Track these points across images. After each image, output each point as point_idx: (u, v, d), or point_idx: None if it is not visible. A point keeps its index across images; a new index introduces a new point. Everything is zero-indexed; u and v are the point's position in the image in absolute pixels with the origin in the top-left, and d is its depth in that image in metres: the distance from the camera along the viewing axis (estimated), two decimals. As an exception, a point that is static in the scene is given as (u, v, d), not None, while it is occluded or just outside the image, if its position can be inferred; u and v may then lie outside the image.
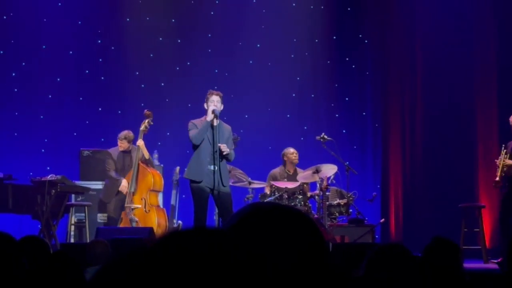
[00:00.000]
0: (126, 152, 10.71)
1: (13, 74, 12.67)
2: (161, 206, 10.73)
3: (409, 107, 13.13)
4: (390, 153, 13.16)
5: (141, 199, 10.29)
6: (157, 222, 10.16)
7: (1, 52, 12.66)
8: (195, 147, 8.63)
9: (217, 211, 9.09)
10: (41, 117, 12.69)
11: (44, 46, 12.80)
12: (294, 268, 1.34)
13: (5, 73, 12.61)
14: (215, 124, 8.60)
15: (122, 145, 10.70)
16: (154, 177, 10.43)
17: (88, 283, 1.09)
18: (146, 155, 10.45)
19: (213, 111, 8.54)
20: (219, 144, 8.47)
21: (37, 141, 12.57)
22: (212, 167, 8.46)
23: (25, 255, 2.40)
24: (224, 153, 8.48)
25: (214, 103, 8.60)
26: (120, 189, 10.39)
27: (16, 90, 12.62)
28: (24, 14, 12.69)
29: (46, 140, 12.67)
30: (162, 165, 11.61)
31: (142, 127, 10.33)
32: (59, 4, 12.88)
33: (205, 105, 8.70)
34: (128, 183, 10.34)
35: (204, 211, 8.55)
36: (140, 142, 10.33)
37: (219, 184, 8.43)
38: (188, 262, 0.93)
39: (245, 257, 0.96)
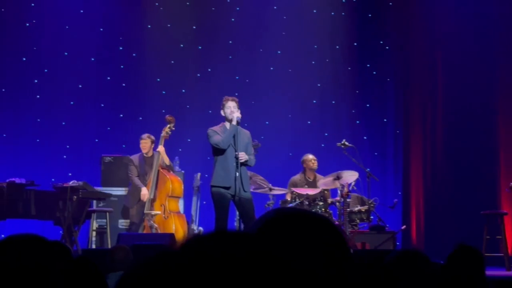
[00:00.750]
0: (147, 158, 10.73)
1: (36, 80, 12.75)
2: (181, 212, 10.73)
3: (430, 113, 13.07)
4: (411, 159, 13.10)
5: (161, 205, 10.30)
6: (174, 228, 10.17)
7: (24, 59, 12.75)
8: (219, 153, 8.59)
9: (237, 217, 9.08)
10: (63, 123, 12.76)
11: (66, 53, 12.87)
12: (318, 273, 1.34)
13: (27, 79, 12.70)
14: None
15: (146, 145, 10.71)
16: (172, 183, 10.44)
17: None
18: (167, 161, 10.48)
19: (237, 120, 8.55)
20: (237, 153, 8.47)
21: (59, 147, 12.64)
22: (236, 173, 8.45)
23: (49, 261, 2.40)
24: (242, 161, 8.48)
25: (231, 109, 8.60)
26: (141, 198, 10.42)
27: (38, 96, 12.71)
28: (47, 21, 12.78)
29: (68, 146, 12.74)
30: (183, 171, 11.63)
31: (163, 133, 10.35)
32: (81, 11, 12.96)
33: (221, 112, 8.69)
34: (149, 191, 10.37)
35: (225, 217, 8.54)
36: (161, 148, 10.36)
37: (240, 190, 8.42)
38: (212, 266, 0.93)
39: (269, 260, 0.96)
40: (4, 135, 12.50)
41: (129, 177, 10.77)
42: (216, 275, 0.92)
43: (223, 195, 8.47)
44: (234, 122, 8.53)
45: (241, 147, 8.56)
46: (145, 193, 10.38)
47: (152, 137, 10.83)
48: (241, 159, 8.45)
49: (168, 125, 10.34)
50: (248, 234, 1.02)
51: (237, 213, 9.00)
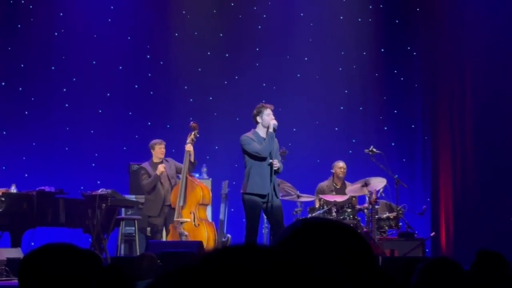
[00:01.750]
0: (159, 163, 10.61)
1: (64, 89, 12.85)
2: (210, 220, 10.72)
3: (458, 119, 12.99)
4: (440, 165, 13.03)
5: (190, 213, 10.27)
6: (207, 236, 10.15)
7: (53, 68, 12.86)
8: (255, 160, 8.54)
9: (265, 224, 9.07)
10: (92, 131, 12.84)
11: (94, 62, 12.97)
12: (345, 284, 1.34)
13: (56, 88, 12.80)
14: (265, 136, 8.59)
15: (162, 150, 10.62)
16: (203, 191, 10.41)
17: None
18: (192, 158, 10.34)
19: (274, 127, 8.52)
20: (271, 160, 8.44)
21: (87, 155, 12.72)
22: (270, 180, 8.43)
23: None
24: (275, 168, 8.45)
25: (271, 116, 8.57)
26: (158, 171, 10.28)
27: (67, 105, 12.80)
28: (75, 31, 12.88)
29: (96, 154, 12.81)
30: (210, 178, 11.64)
31: (189, 140, 10.32)
32: (109, 20, 13.05)
33: (258, 118, 8.62)
34: (175, 197, 10.27)
35: (256, 225, 8.53)
36: (190, 147, 10.25)
37: (272, 197, 8.39)
38: (239, 281, 0.93)
39: (296, 277, 0.95)
40: (34, 143, 12.61)
41: (142, 186, 10.57)
42: None
43: (256, 203, 8.43)
44: (271, 129, 8.50)
45: (274, 154, 8.54)
46: (160, 168, 10.29)
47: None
48: (275, 167, 8.42)
49: (193, 132, 10.31)
50: (273, 248, 1.02)
51: (265, 220, 8.98)
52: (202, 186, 10.48)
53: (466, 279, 3.05)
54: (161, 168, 10.33)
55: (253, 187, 8.46)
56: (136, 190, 11.35)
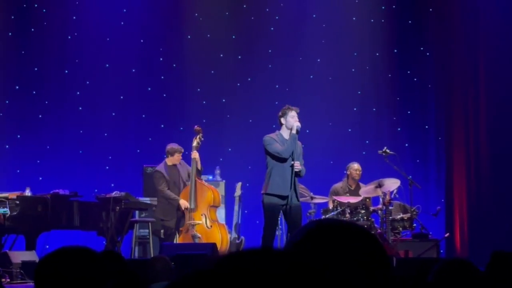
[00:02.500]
0: (173, 166, 10.64)
1: (78, 92, 12.90)
2: (221, 222, 10.73)
3: (473, 119, 12.94)
4: (454, 166, 12.98)
5: (202, 215, 10.29)
6: (220, 237, 10.16)
7: (66, 71, 12.90)
8: (276, 161, 8.52)
9: (278, 225, 9.06)
10: (105, 134, 12.87)
11: (107, 65, 13.00)
12: (359, 284, 1.34)
13: (70, 92, 12.85)
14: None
15: (175, 159, 10.63)
16: (213, 193, 10.44)
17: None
18: (199, 166, 10.40)
19: (297, 128, 8.54)
20: (293, 162, 8.45)
21: (101, 158, 12.76)
22: (291, 182, 8.43)
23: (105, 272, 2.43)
24: (297, 170, 8.46)
25: (295, 118, 8.60)
26: (183, 208, 10.32)
27: (80, 108, 12.84)
28: (88, 34, 12.93)
29: (110, 157, 12.84)
30: (224, 180, 11.65)
31: (195, 143, 10.34)
32: (122, 23, 13.09)
33: (282, 120, 8.64)
34: (185, 200, 10.30)
35: (274, 227, 8.54)
36: (196, 154, 10.30)
37: (292, 199, 8.39)
38: (253, 284, 0.93)
39: (310, 280, 0.95)
40: (48, 147, 12.66)
41: (159, 191, 10.57)
42: None
43: (276, 205, 8.42)
44: (294, 131, 8.52)
45: (296, 156, 8.54)
46: (183, 202, 10.30)
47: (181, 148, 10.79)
48: (296, 168, 8.42)
49: (198, 135, 10.33)
50: (287, 251, 1.02)
51: (279, 222, 8.96)
52: (212, 189, 10.51)
53: (481, 280, 3.04)
54: (184, 204, 10.29)
55: (274, 188, 8.45)
56: (150, 193, 11.37)
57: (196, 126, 10.46)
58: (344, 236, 1.40)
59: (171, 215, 10.40)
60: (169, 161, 10.61)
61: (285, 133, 8.60)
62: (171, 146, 10.68)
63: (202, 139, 10.36)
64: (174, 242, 10.25)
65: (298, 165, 8.45)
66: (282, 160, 8.48)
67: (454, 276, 2.98)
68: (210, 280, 0.96)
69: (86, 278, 2.33)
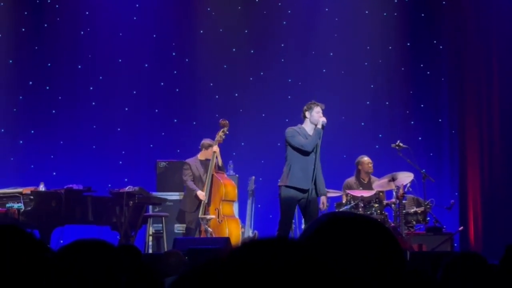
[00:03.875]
0: (205, 161, 10.76)
1: (91, 88, 12.93)
2: (236, 216, 10.75)
3: (486, 113, 12.89)
4: (467, 159, 12.93)
5: (215, 209, 10.35)
6: (228, 232, 10.20)
7: (79, 66, 12.94)
8: (298, 153, 8.54)
9: (293, 219, 9.08)
10: (118, 129, 12.90)
11: (120, 60, 13.03)
12: (372, 278, 1.33)
13: (83, 87, 12.88)
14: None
15: (209, 153, 10.72)
16: (226, 187, 10.47)
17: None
18: (220, 161, 10.51)
19: (322, 123, 8.56)
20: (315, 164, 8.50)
21: (114, 153, 12.79)
22: (313, 175, 8.44)
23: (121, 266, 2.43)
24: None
25: (320, 114, 8.63)
26: (200, 198, 10.43)
27: (93, 103, 12.87)
28: (101, 29, 12.95)
29: (123, 152, 12.87)
30: (237, 175, 11.66)
31: (218, 137, 10.40)
32: (134, 18, 13.10)
33: (307, 114, 8.69)
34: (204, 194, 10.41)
35: (291, 220, 8.58)
36: (216, 148, 10.38)
37: (312, 192, 8.39)
38: (259, 275, 0.93)
39: (324, 269, 0.95)
40: (61, 142, 12.70)
41: (183, 181, 10.79)
42: (262, 284, 0.92)
43: (293, 197, 8.42)
44: (319, 125, 8.54)
45: (319, 152, 8.57)
46: (202, 194, 10.41)
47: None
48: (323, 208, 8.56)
49: (222, 129, 10.39)
50: (299, 243, 1.02)
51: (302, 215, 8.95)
52: (226, 183, 10.54)
53: (493, 273, 3.03)
54: (202, 197, 10.38)
55: (294, 181, 8.44)
56: (163, 187, 11.41)
57: (221, 120, 10.53)
58: (358, 229, 1.40)
59: (194, 207, 10.54)
60: (202, 155, 10.78)
61: (308, 127, 8.62)
62: (206, 140, 10.83)
63: (227, 132, 10.43)
64: (196, 235, 10.34)
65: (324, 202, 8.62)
66: (304, 153, 8.49)
67: (464, 270, 2.97)
68: (219, 270, 0.96)
69: (102, 271, 2.33)
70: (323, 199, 8.67)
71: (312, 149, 8.49)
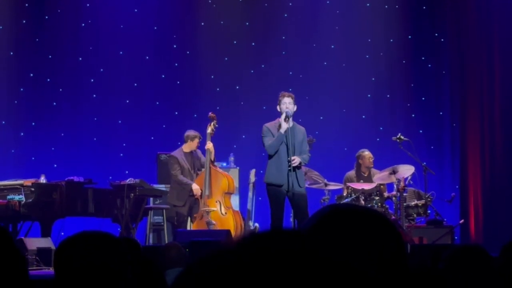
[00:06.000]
0: (188, 154, 10.67)
1: (92, 80, 12.92)
2: (236, 209, 10.76)
3: (487, 106, 12.88)
4: (468, 152, 12.94)
5: (216, 202, 10.33)
6: (235, 224, 10.20)
7: (80, 58, 12.93)
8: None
9: (292, 213, 9.09)
10: (119, 121, 12.91)
11: (121, 52, 13.02)
12: (373, 270, 1.33)
13: (84, 79, 12.88)
14: (289, 125, 8.58)
15: (194, 144, 10.66)
16: (228, 180, 10.48)
17: (170, 286, 1.11)
18: (213, 157, 10.46)
19: (286, 114, 8.53)
20: (289, 158, 8.46)
21: (115, 145, 12.79)
22: (289, 169, 8.47)
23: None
24: (295, 165, 8.46)
25: (287, 105, 8.59)
26: (195, 193, 10.34)
27: (94, 95, 12.87)
28: (102, 21, 12.94)
29: (124, 144, 12.88)
30: (238, 167, 11.66)
31: (209, 130, 10.37)
32: (135, 10, 13.09)
33: (278, 108, 8.70)
34: (200, 187, 10.34)
35: (281, 213, 8.56)
36: (210, 145, 10.35)
37: (293, 186, 8.42)
38: (268, 264, 0.93)
39: (323, 260, 0.95)
40: (62, 134, 12.70)
41: (172, 175, 10.60)
42: (265, 274, 0.92)
43: (278, 191, 8.50)
44: (282, 131, 8.50)
45: (296, 144, 8.55)
46: (196, 187, 10.33)
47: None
48: (294, 164, 8.43)
49: (212, 122, 10.35)
50: (301, 233, 1.02)
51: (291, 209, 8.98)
52: (227, 176, 10.55)
53: (493, 266, 3.03)
54: (198, 191, 10.31)
55: (270, 178, 8.60)
56: (164, 180, 11.39)
57: (210, 113, 10.49)
58: (360, 221, 1.40)
59: (184, 201, 10.45)
60: (187, 147, 10.64)
61: (283, 130, 8.60)
62: (191, 132, 10.71)
63: (217, 125, 10.39)
64: (187, 228, 10.30)
65: (295, 160, 8.45)
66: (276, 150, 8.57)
67: (465, 263, 2.98)
68: (222, 261, 0.96)
69: (105, 263, 2.33)
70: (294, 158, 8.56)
71: (274, 152, 8.54)
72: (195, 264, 0.97)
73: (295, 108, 8.65)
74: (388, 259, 1.37)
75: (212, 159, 10.43)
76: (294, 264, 0.93)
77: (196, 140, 10.65)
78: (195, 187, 10.32)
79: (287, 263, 0.93)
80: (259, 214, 11.23)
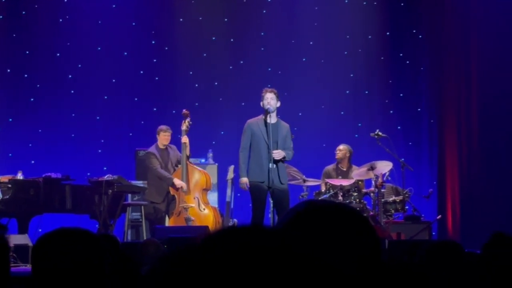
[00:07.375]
0: (164, 150, 10.65)
1: (70, 76, 12.86)
2: (214, 205, 10.77)
3: (465, 102, 12.95)
4: (446, 148, 13.01)
5: (194, 198, 10.32)
6: (214, 219, 10.21)
7: (58, 54, 12.85)
8: (251, 146, 8.71)
9: (272, 208, 9.11)
10: (97, 118, 12.85)
11: (99, 48, 12.96)
12: (348, 266, 1.34)
13: (61, 75, 12.81)
14: (272, 122, 8.67)
15: (167, 137, 10.63)
16: (205, 176, 10.50)
17: (143, 278, 1.11)
18: (188, 152, 10.44)
19: (268, 110, 8.63)
20: (272, 152, 8.51)
21: (93, 141, 12.74)
22: (270, 165, 8.53)
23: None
24: (278, 159, 8.53)
25: (267, 100, 8.68)
26: (179, 187, 10.29)
27: (72, 91, 12.81)
28: (80, 17, 12.87)
29: (102, 140, 12.83)
30: (216, 163, 11.65)
31: (184, 127, 10.37)
32: (114, 6, 13.04)
33: (261, 103, 8.80)
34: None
35: (262, 209, 8.60)
36: (186, 139, 10.33)
37: (274, 182, 8.48)
38: (240, 259, 0.93)
39: (299, 256, 0.95)
40: (40, 130, 12.62)
41: (151, 169, 10.53)
42: (232, 270, 0.92)
43: (259, 187, 8.57)
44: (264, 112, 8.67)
45: (279, 141, 8.61)
46: (179, 182, 10.29)
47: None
48: (277, 158, 8.51)
49: (186, 119, 10.35)
50: (278, 229, 1.02)
51: (271, 204, 9.02)
52: (204, 172, 10.57)
53: (468, 261, 3.05)
54: (182, 185, 10.27)
55: (251, 174, 8.68)
56: (142, 176, 11.36)
57: (184, 110, 10.49)
58: (334, 217, 1.40)
59: (163, 197, 10.43)
60: (160, 142, 10.62)
61: (267, 117, 8.70)
62: (162, 126, 10.72)
63: (191, 122, 10.40)
64: (165, 225, 10.28)
65: (278, 155, 8.52)
66: (254, 145, 8.68)
67: (439, 258, 3.00)
68: (195, 256, 0.96)
69: (83, 259, 2.33)
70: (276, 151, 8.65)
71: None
72: (163, 259, 0.97)
73: (278, 104, 8.76)
74: (363, 254, 1.38)
75: (188, 154, 10.40)
76: (266, 259, 0.93)
77: (162, 133, 10.59)
78: (177, 181, 10.29)
79: (259, 259, 0.93)
80: (238, 210, 11.23)
